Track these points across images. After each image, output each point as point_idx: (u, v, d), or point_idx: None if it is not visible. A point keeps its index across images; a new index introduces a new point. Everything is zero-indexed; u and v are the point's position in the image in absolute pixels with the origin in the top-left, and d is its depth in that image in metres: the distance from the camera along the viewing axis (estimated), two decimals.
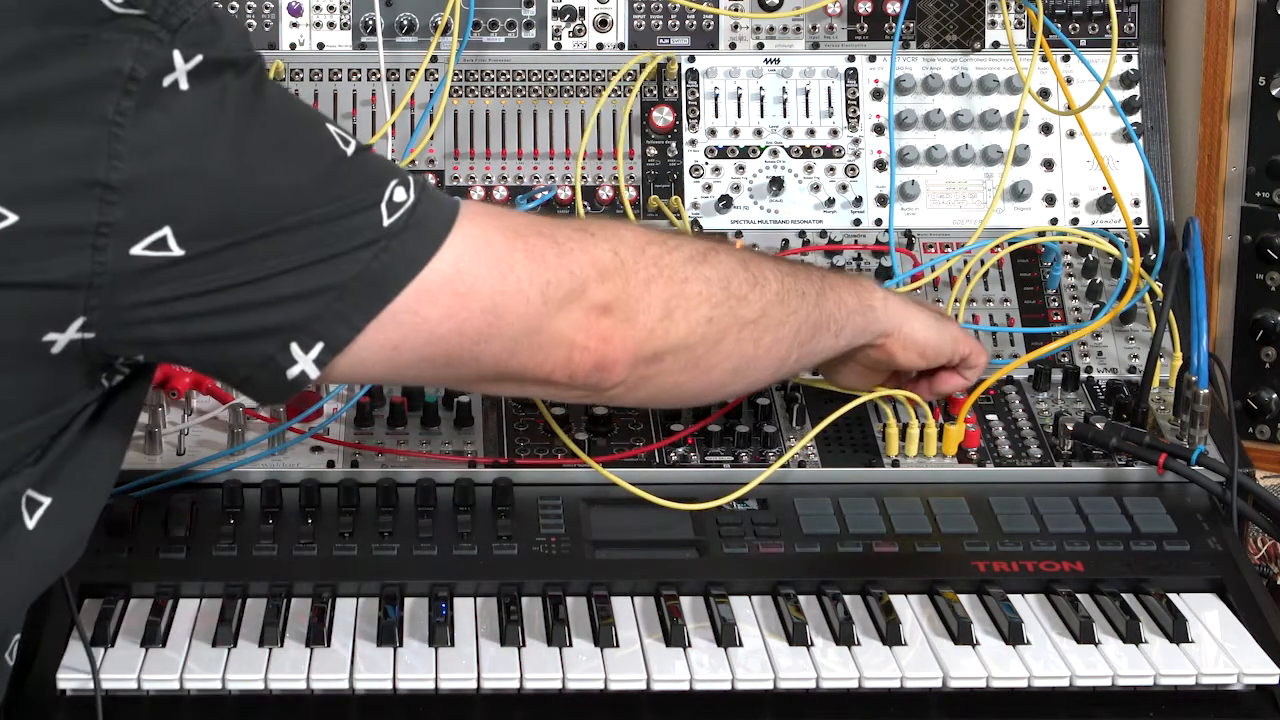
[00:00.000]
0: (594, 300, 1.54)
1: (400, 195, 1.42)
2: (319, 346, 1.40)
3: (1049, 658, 1.81)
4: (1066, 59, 2.44)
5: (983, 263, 2.34)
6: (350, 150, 1.42)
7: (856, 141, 2.42)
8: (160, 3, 1.31)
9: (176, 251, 1.32)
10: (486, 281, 1.47)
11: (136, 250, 1.30)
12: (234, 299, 1.36)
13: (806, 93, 2.44)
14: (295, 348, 1.40)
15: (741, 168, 2.41)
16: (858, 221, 2.40)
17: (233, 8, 2.40)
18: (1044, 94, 2.44)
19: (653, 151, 2.39)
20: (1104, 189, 2.41)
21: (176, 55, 1.30)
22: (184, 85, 1.30)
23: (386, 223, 1.40)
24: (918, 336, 1.94)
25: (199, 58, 1.31)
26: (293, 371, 1.41)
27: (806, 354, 1.82)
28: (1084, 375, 2.25)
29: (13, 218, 1.27)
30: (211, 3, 1.34)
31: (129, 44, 1.29)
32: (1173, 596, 1.91)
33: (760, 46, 2.45)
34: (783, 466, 2.06)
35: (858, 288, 1.88)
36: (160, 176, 1.30)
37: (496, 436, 2.11)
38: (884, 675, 1.78)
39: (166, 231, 1.31)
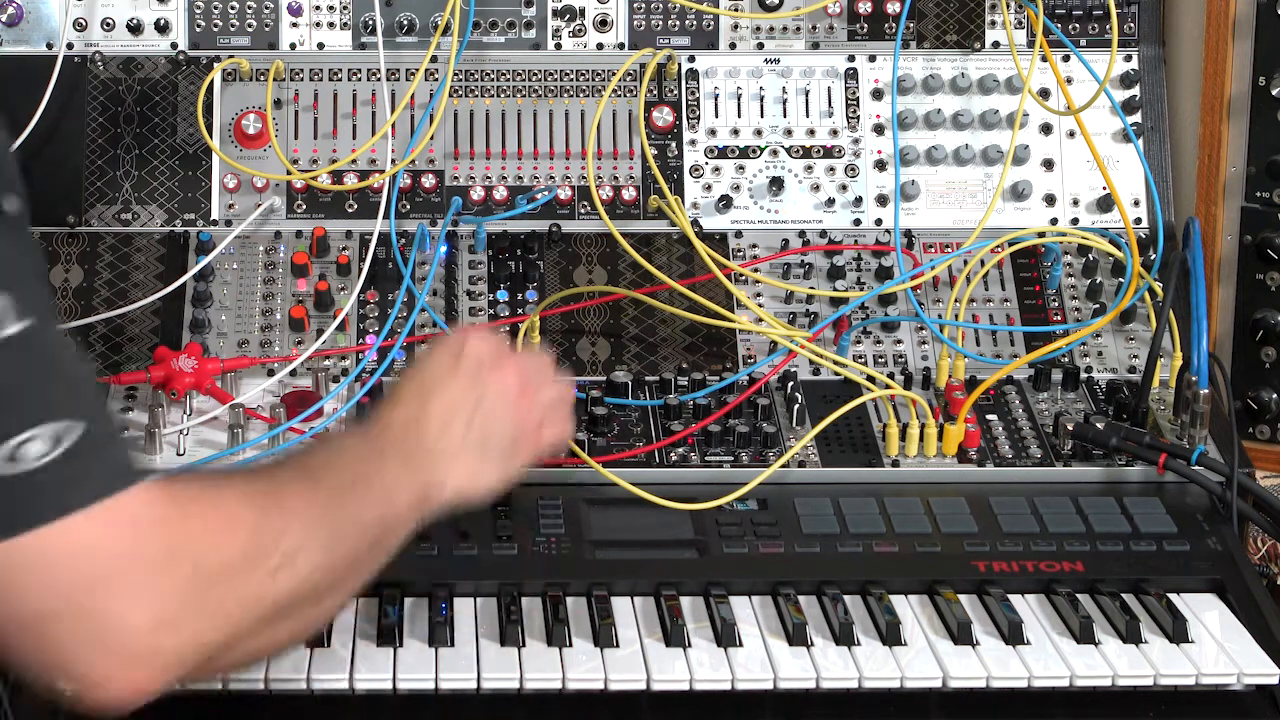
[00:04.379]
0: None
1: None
2: None
3: (1049, 658, 1.81)
4: (1066, 59, 2.44)
5: (983, 263, 2.34)
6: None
7: (856, 141, 2.42)
8: None
9: None
10: None
11: None
12: None
13: (806, 93, 2.44)
14: None
15: (741, 168, 2.41)
16: (858, 221, 2.40)
17: (233, 8, 2.40)
18: (1044, 94, 2.44)
19: (653, 151, 2.39)
20: (1104, 189, 2.41)
21: None
22: None
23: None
24: (485, 488, 1.73)
25: None
26: None
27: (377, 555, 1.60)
28: (1084, 375, 2.25)
29: None
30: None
31: None
32: (1173, 596, 1.91)
33: (760, 46, 2.45)
34: (783, 466, 2.06)
35: (411, 478, 1.63)
36: None
37: None
38: (884, 675, 1.78)
39: None
